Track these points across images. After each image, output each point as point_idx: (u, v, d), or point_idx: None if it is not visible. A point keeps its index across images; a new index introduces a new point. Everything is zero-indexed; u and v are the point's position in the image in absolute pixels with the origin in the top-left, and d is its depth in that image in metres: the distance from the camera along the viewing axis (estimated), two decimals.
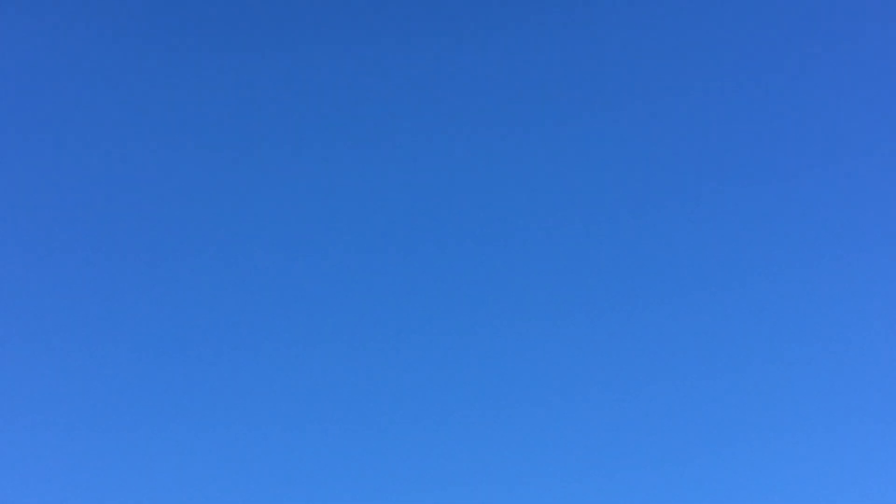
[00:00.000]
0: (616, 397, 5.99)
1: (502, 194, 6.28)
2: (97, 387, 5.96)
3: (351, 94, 6.39)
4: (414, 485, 5.88)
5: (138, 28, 6.41)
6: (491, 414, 5.98)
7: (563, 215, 6.24)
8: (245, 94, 6.37)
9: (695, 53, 6.41)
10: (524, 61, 6.41)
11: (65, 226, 6.16)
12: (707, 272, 6.15)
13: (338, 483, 5.88)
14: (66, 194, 6.20)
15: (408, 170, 6.32)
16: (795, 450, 5.89)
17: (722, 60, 6.39)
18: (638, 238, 6.20)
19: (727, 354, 6.03)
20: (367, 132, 6.36)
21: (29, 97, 6.30)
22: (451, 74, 6.42)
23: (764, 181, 6.23)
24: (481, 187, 6.29)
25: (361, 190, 6.29)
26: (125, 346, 6.02)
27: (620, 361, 6.05)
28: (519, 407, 5.99)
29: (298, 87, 6.39)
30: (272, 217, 6.23)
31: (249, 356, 6.04)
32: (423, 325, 6.10)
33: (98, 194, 6.22)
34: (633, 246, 6.19)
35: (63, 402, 5.93)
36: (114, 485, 5.83)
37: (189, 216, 6.21)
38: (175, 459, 5.88)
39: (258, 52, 6.41)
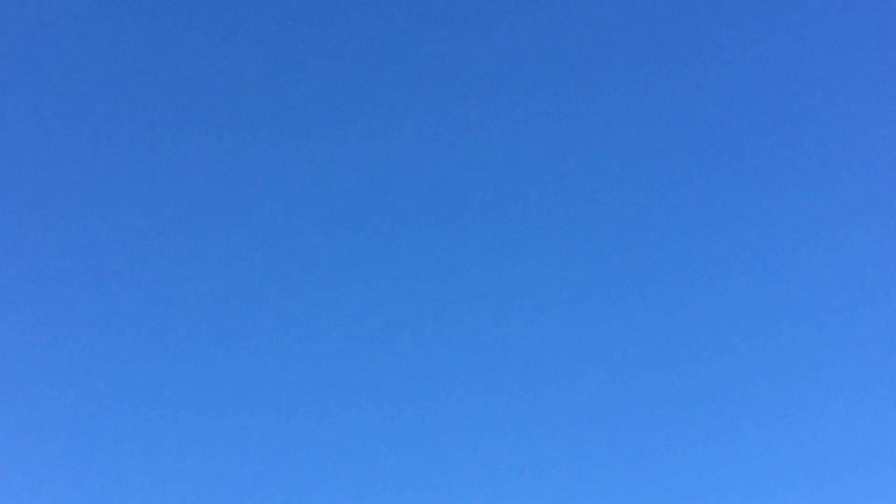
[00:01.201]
0: (613, 395, 6.00)
1: (498, 191, 6.29)
2: (96, 385, 5.97)
3: (347, 92, 6.40)
4: (411, 484, 5.89)
5: (138, 27, 6.42)
6: (488, 411, 5.99)
7: (558, 212, 6.25)
8: (242, 92, 6.38)
9: (693, 52, 6.42)
10: (522, 59, 6.43)
11: (62, 224, 6.18)
12: (704, 269, 6.16)
13: (336, 482, 5.89)
14: (63, 193, 6.22)
15: (405, 167, 6.33)
16: (792, 448, 5.91)
17: (721, 60, 6.40)
18: (634, 234, 6.21)
19: (724, 352, 6.05)
20: (365, 129, 6.37)
21: (27, 95, 6.31)
22: (446, 72, 6.43)
23: (762, 179, 6.25)
24: (478, 185, 6.30)
25: (358, 186, 6.30)
26: (124, 345, 6.03)
27: (617, 358, 6.06)
28: (515, 404, 6.00)
29: (294, 84, 6.41)
30: (268, 214, 6.24)
31: (247, 354, 6.05)
32: (419, 322, 6.11)
33: (96, 192, 6.23)
34: (630, 241, 6.20)
35: (61, 402, 5.94)
36: (113, 484, 5.84)
37: (184, 213, 6.22)
38: (173, 459, 5.88)
39: (256, 51, 6.42)
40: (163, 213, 6.21)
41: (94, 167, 6.25)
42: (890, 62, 6.31)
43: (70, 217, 6.18)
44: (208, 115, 6.34)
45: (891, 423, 5.87)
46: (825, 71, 6.36)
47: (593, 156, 6.33)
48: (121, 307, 6.07)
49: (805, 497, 5.82)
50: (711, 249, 6.18)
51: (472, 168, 6.32)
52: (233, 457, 5.89)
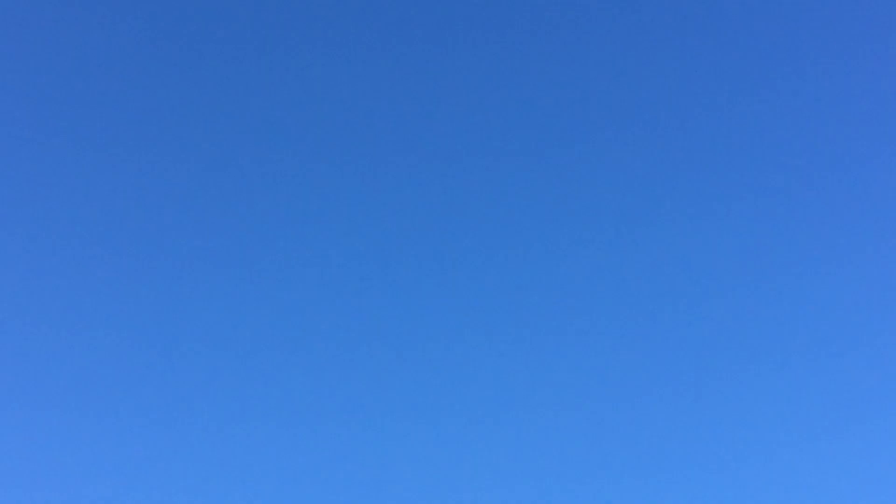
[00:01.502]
0: (616, 404, 6.01)
1: (501, 200, 6.30)
2: (95, 386, 5.98)
3: (347, 94, 6.41)
4: (413, 487, 5.90)
5: (138, 28, 6.43)
6: (488, 418, 6.00)
7: (558, 215, 6.26)
8: (241, 94, 6.39)
9: (696, 57, 6.43)
10: (525, 67, 6.44)
11: (62, 227, 6.19)
12: (708, 278, 6.17)
13: (335, 484, 5.89)
14: (63, 193, 6.23)
15: (409, 175, 6.34)
16: (794, 455, 5.91)
17: (723, 63, 6.41)
18: (639, 244, 6.21)
19: (725, 361, 6.05)
20: (366, 136, 6.38)
21: (28, 97, 6.32)
22: (449, 78, 6.44)
23: (766, 187, 6.26)
24: (480, 193, 6.31)
25: (362, 195, 6.31)
26: (124, 345, 6.04)
27: (618, 361, 6.07)
28: (517, 411, 6.01)
29: (294, 85, 6.42)
30: (272, 221, 6.25)
31: (247, 358, 6.05)
32: (424, 330, 6.12)
33: (97, 192, 6.24)
34: (635, 252, 6.21)
35: (61, 402, 5.95)
36: (113, 484, 5.84)
37: (187, 218, 6.23)
38: (174, 460, 5.89)
39: (257, 55, 6.43)
40: (163, 215, 6.23)
41: (95, 167, 6.27)
42: (890, 62, 6.32)
43: (70, 218, 6.20)
44: (208, 116, 6.37)
45: (891, 423, 5.89)
46: (825, 72, 6.37)
47: (592, 159, 6.35)
48: (121, 309, 6.09)
49: (804, 497, 5.83)
50: (710, 251, 6.20)
51: (471, 169, 6.34)
52: (231, 458, 5.91)
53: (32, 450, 5.85)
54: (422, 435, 5.95)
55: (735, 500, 5.83)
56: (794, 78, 6.36)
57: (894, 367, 5.95)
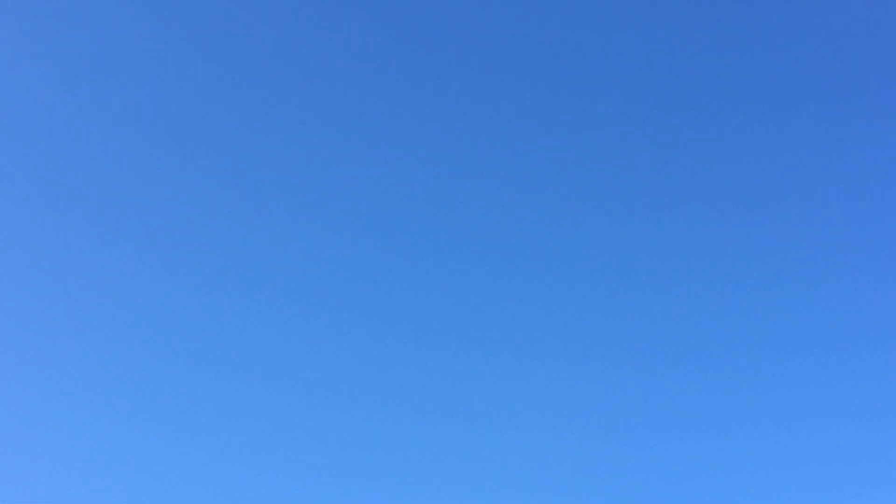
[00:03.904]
0: (616, 403, 6.02)
1: (499, 196, 6.30)
2: (95, 385, 5.98)
3: (348, 94, 6.41)
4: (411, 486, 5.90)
5: (138, 28, 6.43)
6: (485, 416, 6.00)
7: (558, 214, 6.27)
8: (242, 93, 6.39)
9: (695, 55, 6.43)
10: (523, 61, 6.44)
11: (62, 224, 6.19)
12: (705, 274, 6.18)
13: (336, 483, 5.90)
14: (63, 192, 6.23)
15: (406, 173, 6.34)
16: (794, 452, 5.92)
17: (723, 62, 6.41)
18: (637, 241, 6.22)
19: (723, 355, 6.06)
20: (366, 132, 6.38)
21: (29, 96, 6.32)
22: (450, 76, 6.44)
23: (764, 186, 6.27)
24: (478, 189, 6.31)
25: (360, 191, 6.31)
26: (125, 346, 6.05)
27: (618, 364, 6.07)
28: (515, 410, 6.01)
29: (295, 85, 6.42)
30: (272, 219, 6.25)
31: (246, 358, 6.06)
32: (419, 323, 6.12)
33: (96, 192, 6.25)
34: (632, 249, 6.21)
35: (61, 402, 5.95)
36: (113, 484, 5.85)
37: (185, 218, 6.23)
38: (174, 459, 5.90)
39: (258, 53, 6.43)
40: (163, 215, 6.23)
41: (94, 167, 6.28)
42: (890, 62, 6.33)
43: (69, 217, 6.20)
44: (208, 115, 6.37)
45: (891, 424, 5.89)
46: (825, 72, 6.38)
47: (594, 159, 6.35)
48: (120, 308, 6.10)
49: (804, 498, 5.84)
50: (711, 253, 6.21)
51: (470, 170, 6.34)
52: (230, 459, 5.91)
53: (32, 450, 5.87)
54: (420, 436, 5.97)
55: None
56: (795, 81, 6.38)
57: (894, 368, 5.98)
